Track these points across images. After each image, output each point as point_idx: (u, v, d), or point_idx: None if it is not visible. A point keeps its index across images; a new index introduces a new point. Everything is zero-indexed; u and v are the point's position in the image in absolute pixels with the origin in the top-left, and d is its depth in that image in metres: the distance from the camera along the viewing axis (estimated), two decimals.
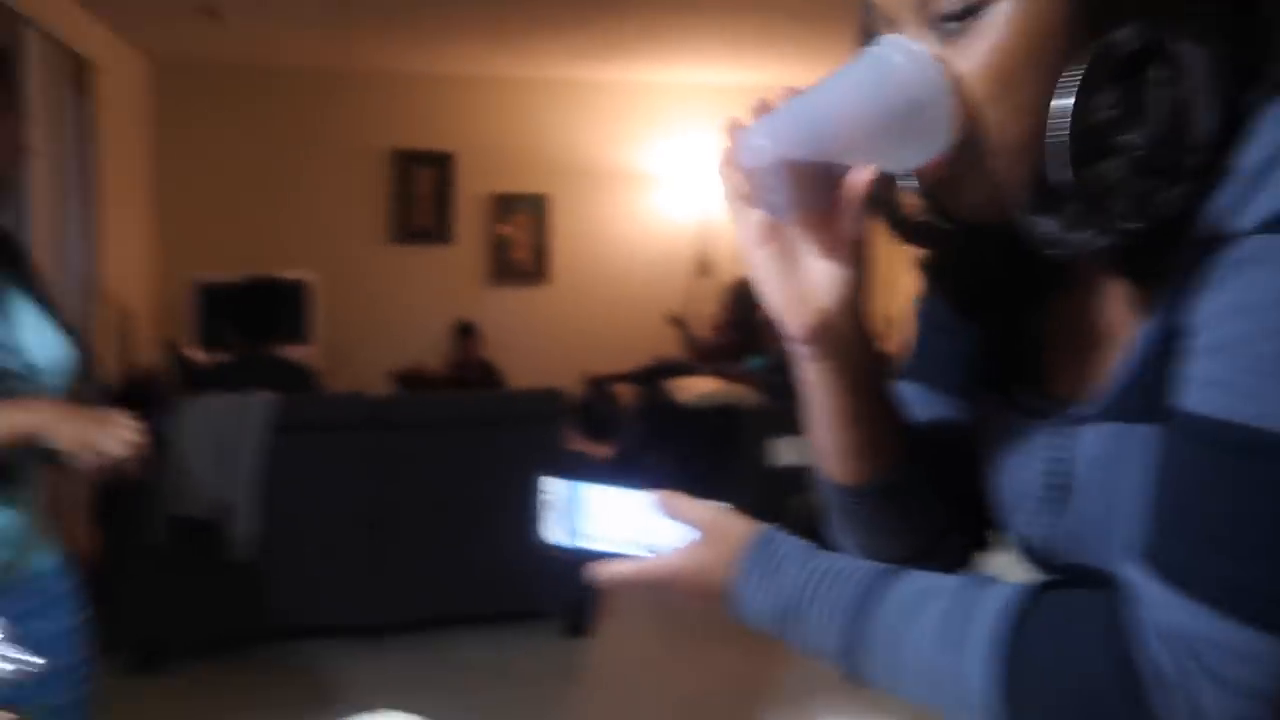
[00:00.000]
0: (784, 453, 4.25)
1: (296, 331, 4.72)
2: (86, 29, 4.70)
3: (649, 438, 4.88)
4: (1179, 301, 0.57)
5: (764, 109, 0.63)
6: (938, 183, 0.63)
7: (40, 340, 1.35)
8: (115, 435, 1.21)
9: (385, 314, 5.98)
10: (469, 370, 5.48)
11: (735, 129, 0.63)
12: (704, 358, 5.40)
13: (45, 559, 1.44)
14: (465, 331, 5.77)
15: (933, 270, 0.77)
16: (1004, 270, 0.72)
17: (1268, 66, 0.57)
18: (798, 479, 4.15)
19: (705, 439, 4.43)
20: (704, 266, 6.34)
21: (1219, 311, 0.54)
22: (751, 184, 0.64)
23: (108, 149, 4.76)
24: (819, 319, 0.65)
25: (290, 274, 5.13)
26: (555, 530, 0.78)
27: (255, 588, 2.98)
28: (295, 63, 5.79)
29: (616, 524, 0.77)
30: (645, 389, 5.15)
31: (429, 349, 5.84)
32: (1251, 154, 0.54)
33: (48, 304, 1.41)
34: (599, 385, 5.41)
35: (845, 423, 0.70)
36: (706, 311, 6.14)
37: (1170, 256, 0.58)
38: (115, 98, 4.92)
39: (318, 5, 4.74)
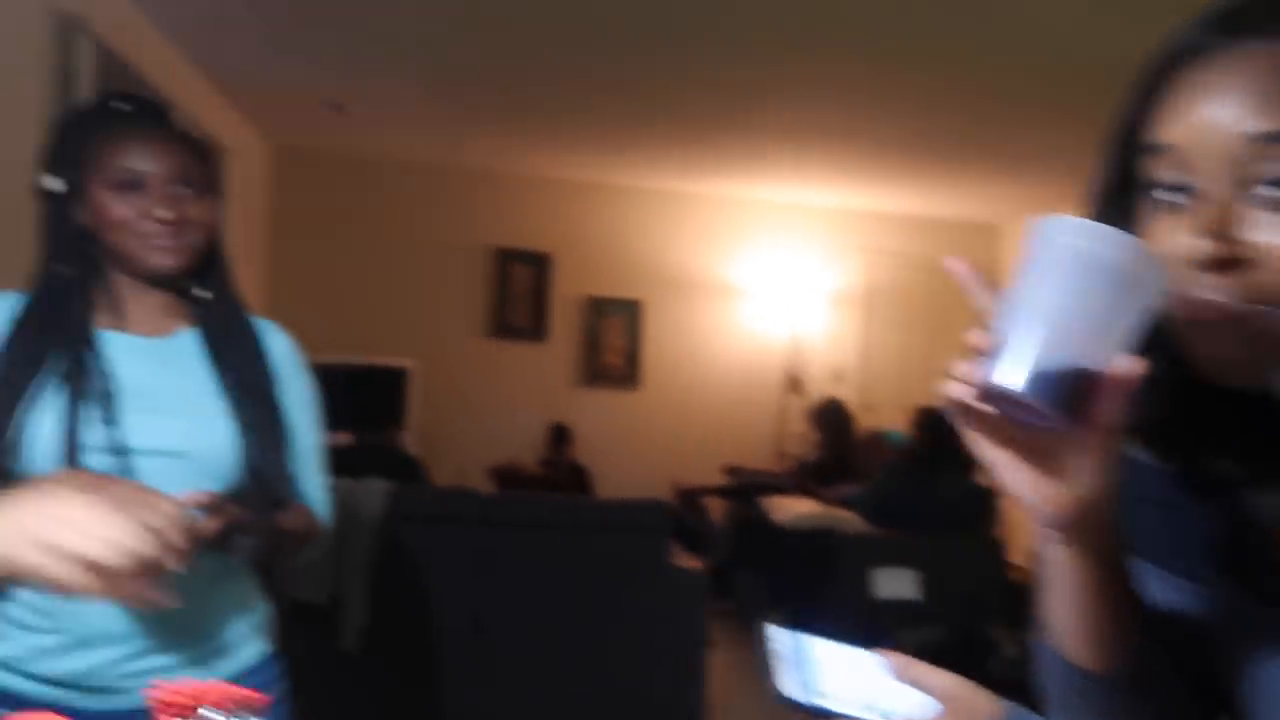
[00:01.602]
0: (885, 584, 4.08)
1: (396, 418, 4.72)
2: (221, 115, 4.91)
3: (741, 555, 4.74)
4: None
5: (984, 346, 0.57)
6: (1197, 330, 0.59)
7: (196, 425, 1.30)
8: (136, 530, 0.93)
9: (479, 407, 5.99)
10: (560, 470, 5.43)
11: (969, 368, 0.58)
12: (797, 476, 5.29)
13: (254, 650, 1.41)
14: (559, 434, 5.74)
15: (1155, 437, 0.70)
16: (1240, 439, 0.66)
17: None
18: (902, 613, 3.97)
19: (801, 562, 4.28)
20: (795, 383, 6.28)
21: None
22: (1000, 407, 0.59)
23: (232, 229, 4.90)
24: (1076, 507, 0.60)
25: (391, 361, 5.18)
26: (789, 684, 0.76)
27: (362, 680, 2.88)
28: (408, 157, 5.98)
29: (849, 683, 0.76)
30: (737, 504, 5.04)
31: (521, 444, 5.82)
32: None
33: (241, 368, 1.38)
34: (689, 497, 5.31)
35: (1093, 607, 0.66)
36: (798, 429, 6.05)
37: None
38: (241, 181, 5.09)
39: (435, 104, 4.91)
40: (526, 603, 3.09)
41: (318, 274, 5.94)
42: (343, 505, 2.93)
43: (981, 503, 4.21)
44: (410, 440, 4.96)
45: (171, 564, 0.92)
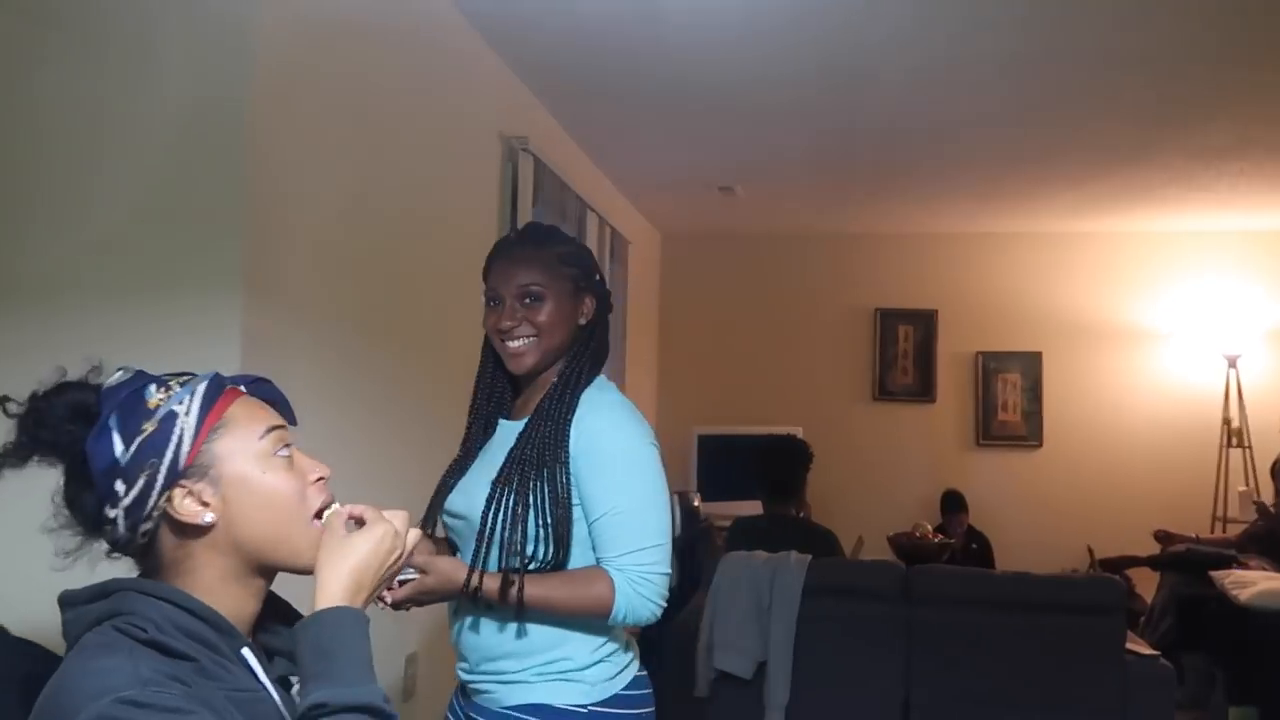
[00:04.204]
0: None
1: (798, 487, 4.73)
2: (623, 210, 5.35)
3: (1188, 637, 4.15)
4: None
5: None
6: None
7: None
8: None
9: (866, 472, 5.88)
10: (955, 537, 5.14)
11: None
12: (1246, 546, 4.55)
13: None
14: (953, 500, 5.45)
15: None
16: None
17: None
18: None
19: (1273, 649, 3.65)
20: (1235, 434, 5.46)
21: None
22: None
23: (633, 311, 5.29)
24: None
25: (777, 429, 5.24)
26: None
27: None
28: (788, 228, 6.10)
29: None
30: (1178, 577, 4.44)
31: (911, 510, 5.61)
32: None
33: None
34: (1111, 568, 4.77)
35: None
36: (1241, 487, 5.26)
37: None
38: (636, 267, 5.48)
39: (818, 178, 4.97)
40: (959, 685, 2.91)
41: (704, 347, 6.22)
42: (764, 576, 2.98)
43: None
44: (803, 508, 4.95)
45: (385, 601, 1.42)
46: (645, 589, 1.47)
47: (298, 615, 1.13)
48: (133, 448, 0.99)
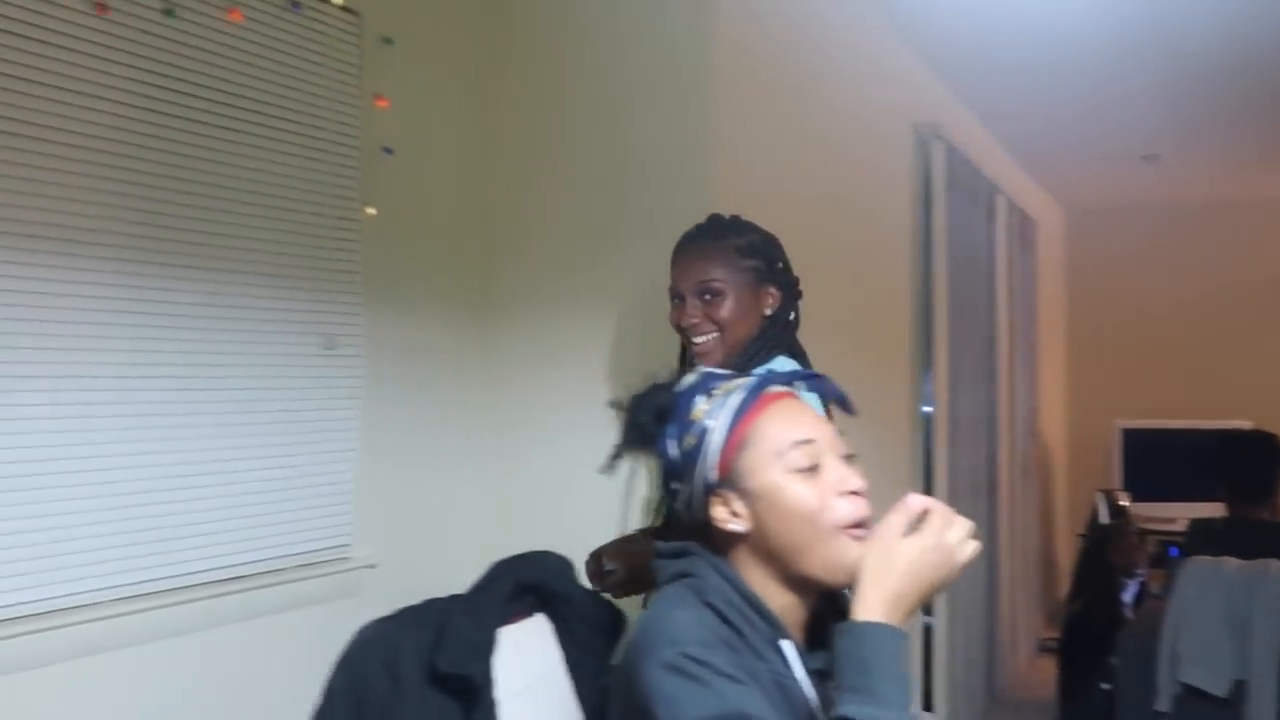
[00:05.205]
0: None
1: (1269, 487, 4.20)
2: (1029, 191, 5.06)
3: None
4: None
5: None
6: None
7: None
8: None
9: None
10: None
11: None
12: None
13: None
14: None
15: None
16: None
17: None
18: None
19: None
20: None
21: None
22: None
23: (1041, 295, 4.99)
24: None
25: (1221, 422, 4.65)
26: None
27: None
28: (1217, 196, 5.41)
29: None
30: None
31: None
32: None
33: None
34: None
35: None
36: None
37: None
38: (1043, 249, 5.15)
39: (1260, 138, 4.35)
40: None
41: (1120, 333, 5.69)
42: (1239, 587, 2.67)
43: None
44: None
45: None
46: None
47: None
48: (681, 456, 1.09)
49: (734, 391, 1.09)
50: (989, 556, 4.03)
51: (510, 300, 2.39)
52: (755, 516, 1.06)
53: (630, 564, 1.55)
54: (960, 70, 3.59)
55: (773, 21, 2.41)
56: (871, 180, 3.13)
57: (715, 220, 1.69)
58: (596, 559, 1.61)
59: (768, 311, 1.62)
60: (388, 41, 2.13)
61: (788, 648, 1.06)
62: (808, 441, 1.07)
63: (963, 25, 3.11)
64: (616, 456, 1.14)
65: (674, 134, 2.17)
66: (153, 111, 1.70)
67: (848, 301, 2.87)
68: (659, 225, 2.12)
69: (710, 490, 1.08)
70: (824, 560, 1.05)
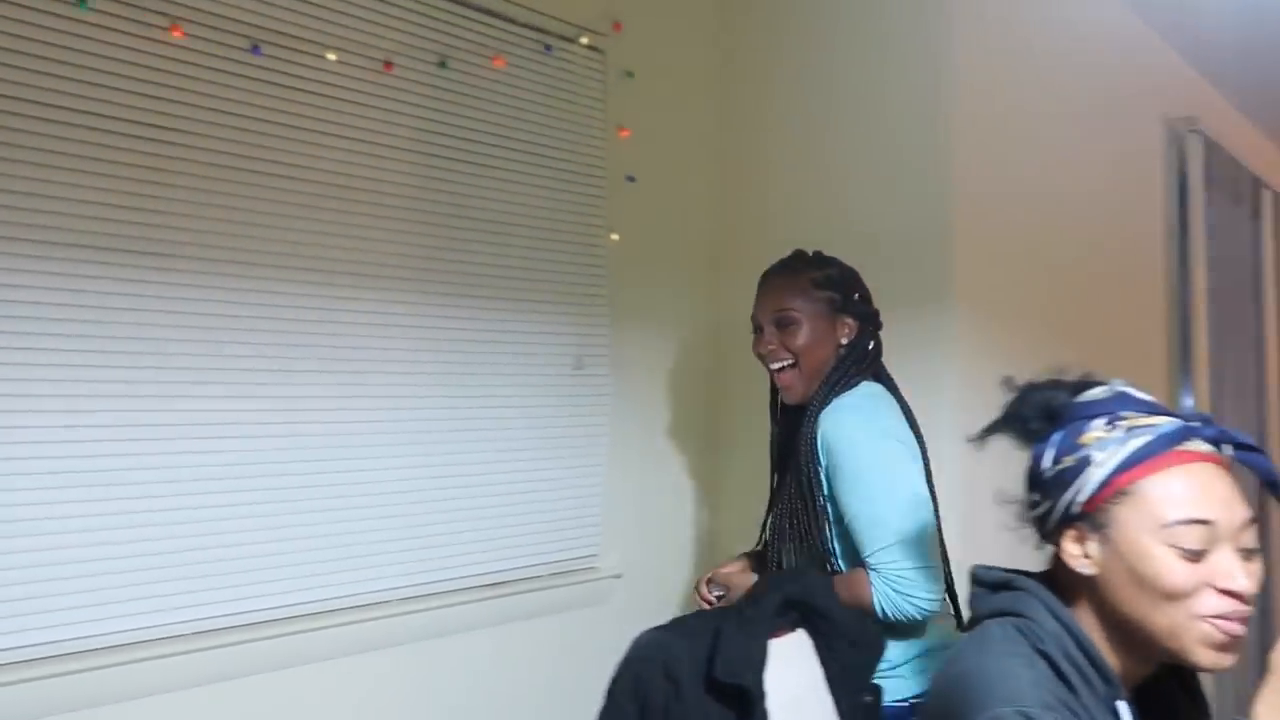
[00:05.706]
0: None
1: None
2: None
3: None
4: None
5: None
6: None
7: None
8: None
9: None
10: None
11: None
12: None
13: None
14: None
15: None
16: None
17: None
18: None
19: None
20: None
21: None
22: None
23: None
24: None
25: None
26: None
27: None
28: None
29: None
30: None
31: None
32: None
33: None
34: None
35: None
36: None
37: None
38: None
39: None
40: None
41: None
42: None
43: None
44: None
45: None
46: (902, 585, 1.46)
47: (1204, 704, 1.08)
48: (1053, 471, 1.01)
49: (1140, 432, 0.97)
50: (1265, 590, 3.67)
51: (744, 320, 2.43)
52: (1107, 567, 0.98)
53: (733, 592, 1.67)
54: (1216, 55, 3.32)
55: (1009, 11, 2.33)
56: (1120, 180, 2.95)
57: (797, 254, 1.73)
58: (707, 581, 1.74)
59: (844, 341, 1.65)
60: (629, 75, 2.23)
61: (1124, 710, 0.96)
62: (1203, 523, 0.94)
63: (1215, 4, 2.88)
64: (988, 433, 1.08)
65: (916, 148, 2.13)
66: (431, 155, 1.87)
67: (1097, 308, 2.72)
68: (899, 241, 2.11)
69: (1069, 521, 1.00)
70: (1176, 642, 0.95)
